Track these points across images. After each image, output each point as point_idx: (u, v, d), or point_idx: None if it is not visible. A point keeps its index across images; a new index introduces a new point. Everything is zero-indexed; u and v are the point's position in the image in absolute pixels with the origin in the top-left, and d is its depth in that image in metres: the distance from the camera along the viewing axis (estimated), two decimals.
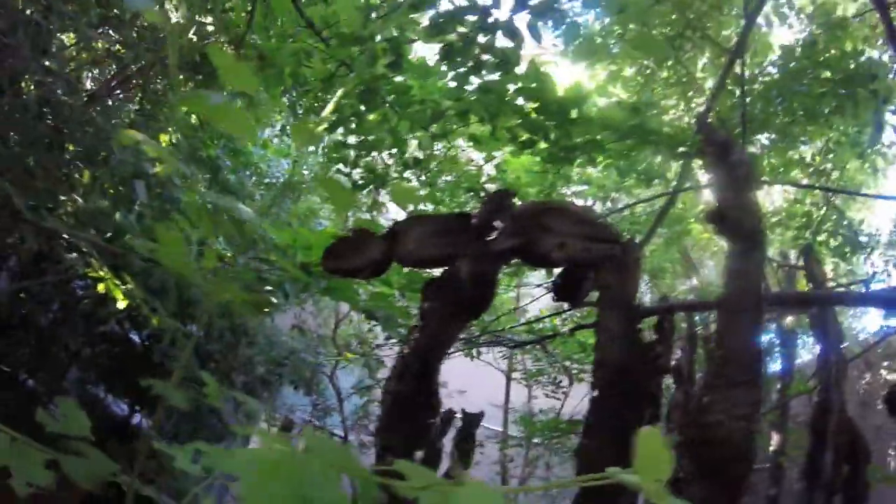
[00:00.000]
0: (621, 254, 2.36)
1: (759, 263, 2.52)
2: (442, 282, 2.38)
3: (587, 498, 2.37)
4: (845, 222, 7.26)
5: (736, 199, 2.72)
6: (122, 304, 5.20)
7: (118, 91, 6.07)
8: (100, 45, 5.81)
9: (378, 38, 3.58)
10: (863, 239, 7.56)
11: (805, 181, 7.47)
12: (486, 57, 3.56)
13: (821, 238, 7.27)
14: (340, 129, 4.58)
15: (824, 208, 7.47)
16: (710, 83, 6.51)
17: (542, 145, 4.05)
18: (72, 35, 5.50)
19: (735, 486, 2.16)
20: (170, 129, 6.22)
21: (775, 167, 6.36)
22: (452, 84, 3.84)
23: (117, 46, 5.78)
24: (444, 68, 3.76)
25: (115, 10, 5.36)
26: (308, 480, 0.79)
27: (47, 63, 4.75)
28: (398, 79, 3.99)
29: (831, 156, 6.73)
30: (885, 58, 5.58)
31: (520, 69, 3.72)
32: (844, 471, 4.99)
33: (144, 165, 5.33)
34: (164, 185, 5.72)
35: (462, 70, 3.65)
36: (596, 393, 2.36)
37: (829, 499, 4.88)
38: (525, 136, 3.90)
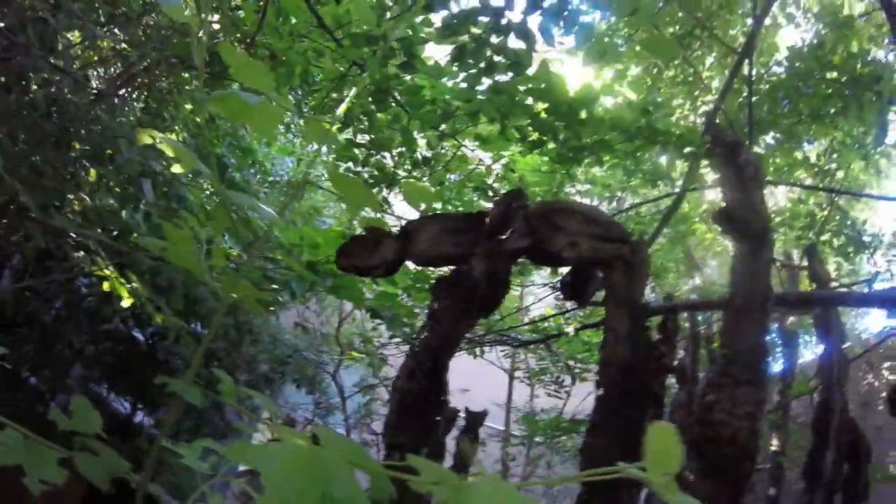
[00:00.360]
0: (630, 254, 2.38)
1: (766, 264, 2.53)
2: (453, 280, 2.39)
3: (591, 495, 2.39)
4: (849, 222, 7.25)
5: (744, 200, 2.72)
6: (126, 303, 5.22)
7: (124, 89, 6.08)
8: (106, 43, 5.81)
9: (391, 38, 3.58)
10: (866, 239, 7.55)
11: (809, 181, 7.48)
12: (497, 58, 3.57)
13: (824, 238, 7.27)
14: (350, 128, 4.59)
15: (828, 208, 7.46)
16: (716, 82, 6.52)
17: (551, 145, 4.05)
18: (77, 33, 5.50)
19: (739, 483, 2.18)
20: (176, 127, 6.24)
21: (780, 167, 6.36)
22: (464, 85, 3.84)
23: (123, 45, 5.78)
24: (455, 69, 3.76)
25: (123, 8, 5.37)
26: (327, 475, 0.80)
27: (54, 61, 4.76)
28: (409, 79, 3.99)
29: (835, 156, 6.72)
30: (891, 57, 5.58)
31: (531, 70, 3.72)
32: (845, 470, 4.99)
33: (151, 164, 5.34)
34: (170, 184, 5.73)
35: (473, 71, 3.65)
36: (602, 392, 2.38)
37: (830, 498, 4.88)
38: (535, 136, 3.90)
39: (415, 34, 3.72)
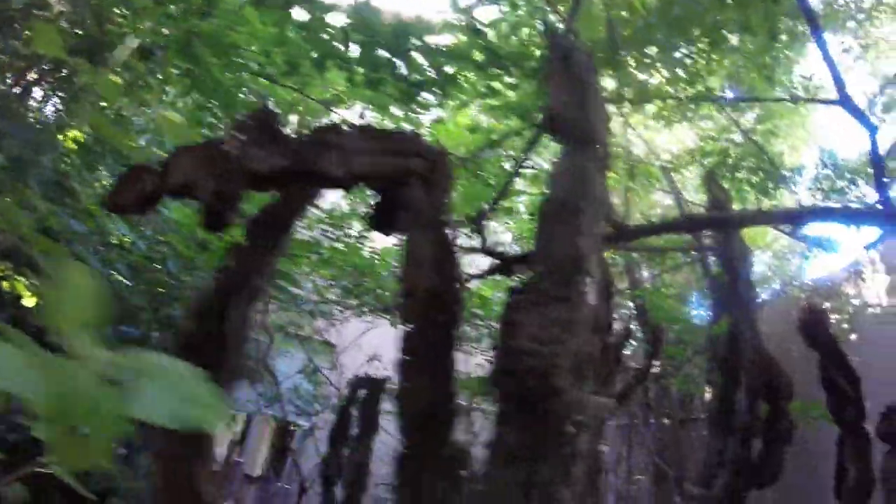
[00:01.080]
0: (425, 168, 2.09)
1: (589, 167, 2.26)
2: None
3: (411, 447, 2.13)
4: (765, 157, 7.01)
5: (572, 101, 2.48)
6: (29, 302, 4.99)
7: (36, 89, 5.90)
8: (19, 44, 5.60)
9: None
10: (786, 173, 7.34)
11: (720, 118, 7.25)
12: None
13: (741, 175, 7.01)
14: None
15: (741, 144, 7.21)
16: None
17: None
18: None
19: (551, 426, 1.85)
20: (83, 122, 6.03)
21: (685, 103, 6.08)
22: (274, 30, 3.59)
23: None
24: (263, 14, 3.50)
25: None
26: None
27: None
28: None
29: (740, 84, 6.44)
30: None
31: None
32: (763, 410, 4.65)
33: (41, 159, 5.20)
34: (62, 176, 5.56)
35: (278, 13, 3.40)
36: (408, 326, 2.10)
37: (745, 443, 4.52)
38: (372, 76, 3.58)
39: None
